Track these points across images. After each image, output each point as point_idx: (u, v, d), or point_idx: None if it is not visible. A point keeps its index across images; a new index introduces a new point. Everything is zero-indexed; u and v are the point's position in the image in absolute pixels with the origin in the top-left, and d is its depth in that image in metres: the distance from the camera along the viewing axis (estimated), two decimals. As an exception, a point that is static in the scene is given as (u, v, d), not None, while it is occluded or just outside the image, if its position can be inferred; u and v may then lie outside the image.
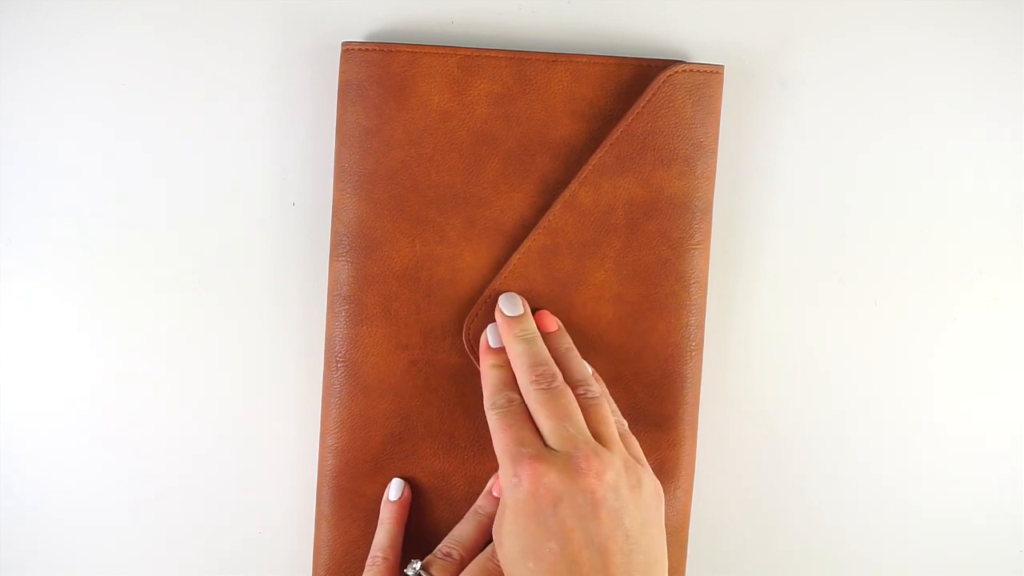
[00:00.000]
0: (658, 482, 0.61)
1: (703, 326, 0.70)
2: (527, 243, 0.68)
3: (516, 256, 0.68)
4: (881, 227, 0.73)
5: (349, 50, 0.69)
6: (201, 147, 0.72)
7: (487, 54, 0.69)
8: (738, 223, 0.72)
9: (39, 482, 0.73)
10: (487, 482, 0.69)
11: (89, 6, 0.70)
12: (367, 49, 0.68)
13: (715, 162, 0.69)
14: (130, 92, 0.71)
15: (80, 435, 0.73)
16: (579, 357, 0.66)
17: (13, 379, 0.73)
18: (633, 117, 0.68)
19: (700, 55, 0.72)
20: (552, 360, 0.64)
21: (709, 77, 0.68)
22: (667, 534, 0.69)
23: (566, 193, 0.68)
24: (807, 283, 0.73)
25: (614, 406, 0.66)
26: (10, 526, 0.73)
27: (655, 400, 0.69)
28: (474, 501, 0.70)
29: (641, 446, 0.68)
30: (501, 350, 0.65)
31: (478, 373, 0.69)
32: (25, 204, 0.71)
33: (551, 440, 0.60)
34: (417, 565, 0.64)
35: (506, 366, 0.65)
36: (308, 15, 0.71)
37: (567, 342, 0.66)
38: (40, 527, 0.73)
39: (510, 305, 0.67)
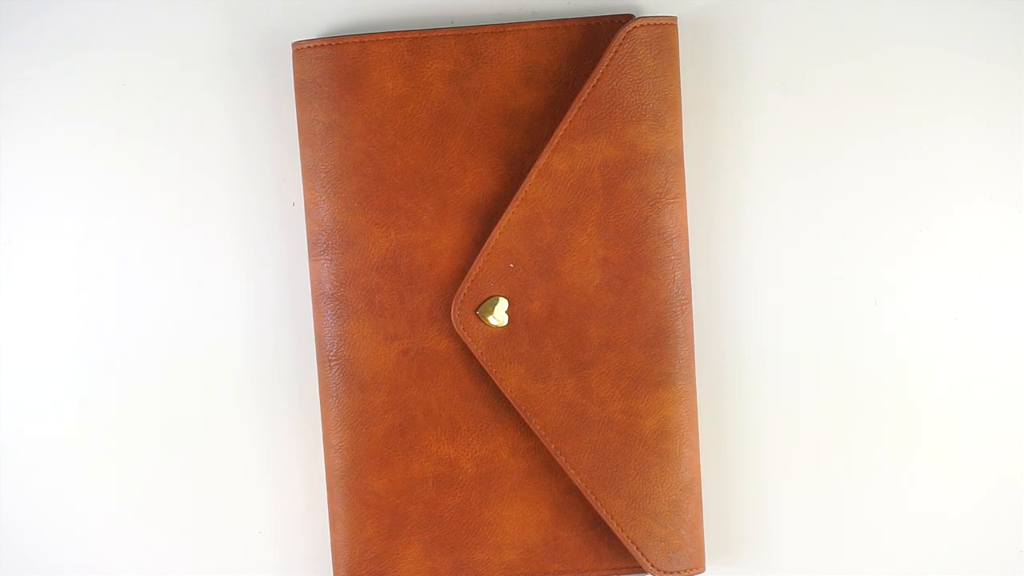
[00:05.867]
0: None
1: (689, 279, 0.69)
2: (507, 216, 0.68)
3: (497, 231, 0.68)
4: (880, 225, 0.72)
5: (300, 49, 0.69)
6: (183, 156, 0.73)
7: (435, 34, 0.68)
8: (714, 178, 0.72)
9: (37, 483, 0.73)
10: (494, 460, 0.69)
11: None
12: (316, 46, 0.68)
13: (681, 114, 0.69)
14: (130, 91, 0.72)
15: (79, 436, 0.73)
16: None
17: (12, 380, 0.73)
18: (598, 77, 0.67)
19: (648, 8, 0.71)
20: None
21: (666, 29, 0.68)
22: (680, 490, 0.69)
23: (540, 161, 0.68)
24: (806, 281, 0.73)
25: None
26: (7, 525, 0.74)
27: (652, 359, 0.68)
28: (484, 483, 0.69)
29: (643, 408, 0.68)
30: None
31: (472, 355, 0.69)
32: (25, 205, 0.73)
33: None
34: None
35: None
36: (257, 21, 0.71)
37: None
38: (37, 527, 0.74)
39: None
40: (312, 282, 0.70)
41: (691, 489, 0.70)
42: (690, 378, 0.69)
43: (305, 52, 0.68)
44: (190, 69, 0.72)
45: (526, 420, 0.68)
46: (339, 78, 0.68)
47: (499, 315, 0.68)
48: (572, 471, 0.68)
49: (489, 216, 0.69)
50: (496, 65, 0.68)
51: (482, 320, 0.68)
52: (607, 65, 0.67)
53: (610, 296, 0.68)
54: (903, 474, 0.73)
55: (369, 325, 0.69)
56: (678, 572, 0.69)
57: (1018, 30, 0.72)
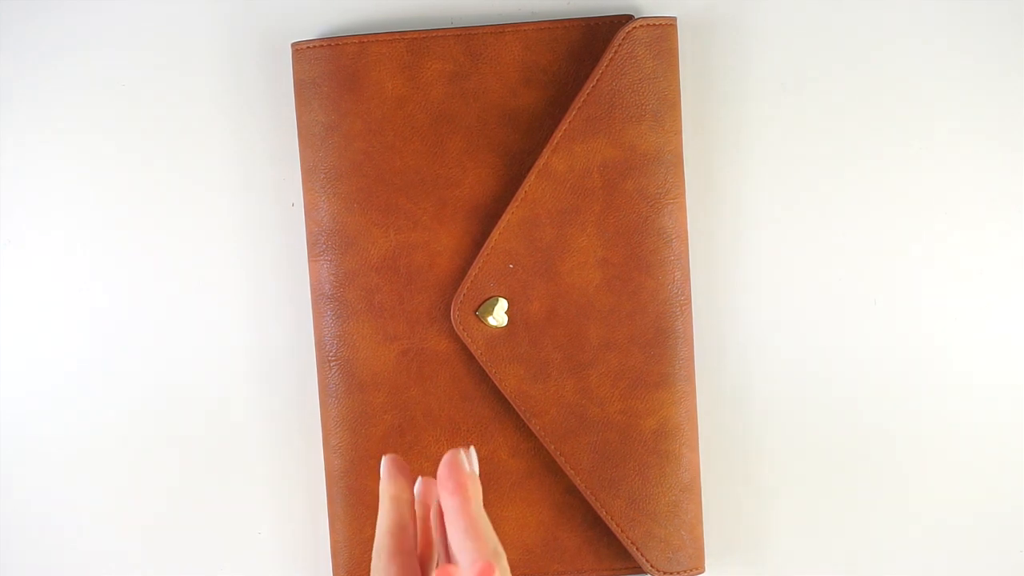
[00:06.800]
0: None
1: (688, 280, 0.69)
2: (506, 216, 0.68)
3: (497, 231, 0.68)
4: (880, 225, 0.72)
5: (299, 50, 0.69)
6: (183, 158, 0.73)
7: (434, 34, 0.68)
8: (714, 179, 0.72)
9: (36, 482, 0.73)
10: (494, 460, 0.69)
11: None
12: (315, 46, 0.68)
13: (680, 115, 0.69)
14: (130, 92, 0.72)
15: (78, 436, 0.73)
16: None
17: (12, 380, 0.73)
18: (598, 78, 0.67)
19: (648, 8, 0.71)
20: None
21: (665, 30, 0.68)
22: (680, 490, 0.69)
23: (540, 162, 0.68)
24: (806, 281, 0.73)
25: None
26: (7, 525, 0.74)
27: (651, 359, 0.68)
28: (484, 483, 0.69)
29: (642, 408, 0.68)
30: None
31: (471, 356, 0.69)
32: (25, 204, 0.73)
33: None
34: None
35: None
36: (257, 21, 0.71)
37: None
38: (36, 527, 0.74)
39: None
40: (312, 283, 0.70)
41: (691, 489, 0.70)
42: (689, 378, 0.69)
43: (305, 52, 0.68)
44: (190, 69, 0.72)
45: (525, 421, 0.68)
46: (339, 78, 0.68)
47: (499, 315, 0.68)
48: (572, 471, 0.68)
49: (489, 216, 0.69)
50: (496, 65, 0.68)
51: (482, 320, 0.68)
52: (607, 65, 0.67)
53: (609, 296, 0.68)
54: (902, 474, 0.73)
55: (369, 325, 0.69)
56: (678, 572, 0.69)
57: (1018, 30, 0.71)
